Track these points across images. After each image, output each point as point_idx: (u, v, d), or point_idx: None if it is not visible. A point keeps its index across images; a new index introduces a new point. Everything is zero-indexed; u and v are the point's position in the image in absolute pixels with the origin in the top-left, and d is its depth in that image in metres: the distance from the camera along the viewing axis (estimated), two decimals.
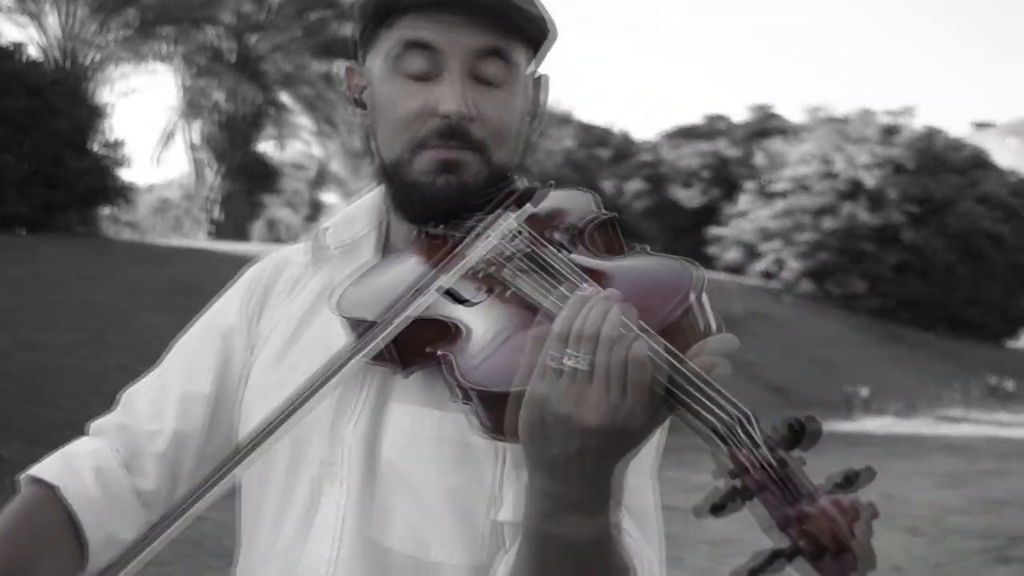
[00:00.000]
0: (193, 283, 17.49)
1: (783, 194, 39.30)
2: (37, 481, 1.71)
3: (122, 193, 24.78)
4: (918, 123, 41.59)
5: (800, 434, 1.10)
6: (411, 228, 1.70)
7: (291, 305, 1.83)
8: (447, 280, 1.46)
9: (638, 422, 1.19)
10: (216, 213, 31.89)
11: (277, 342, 1.80)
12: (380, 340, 1.45)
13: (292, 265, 1.88)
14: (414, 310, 1.46)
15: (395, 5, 1.63)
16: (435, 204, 1.63)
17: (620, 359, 1.20)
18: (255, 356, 1.82)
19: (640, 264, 1.47)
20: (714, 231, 41.67)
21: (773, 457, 1.08)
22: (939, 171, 38.72)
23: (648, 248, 1.53)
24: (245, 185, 32.14)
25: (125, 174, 26.12)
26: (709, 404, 1.15)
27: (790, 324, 31.71)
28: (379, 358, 1.54)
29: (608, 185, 46.16)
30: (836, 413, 22.08)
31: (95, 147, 23.92)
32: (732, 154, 45.40)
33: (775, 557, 1.04)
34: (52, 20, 25.94)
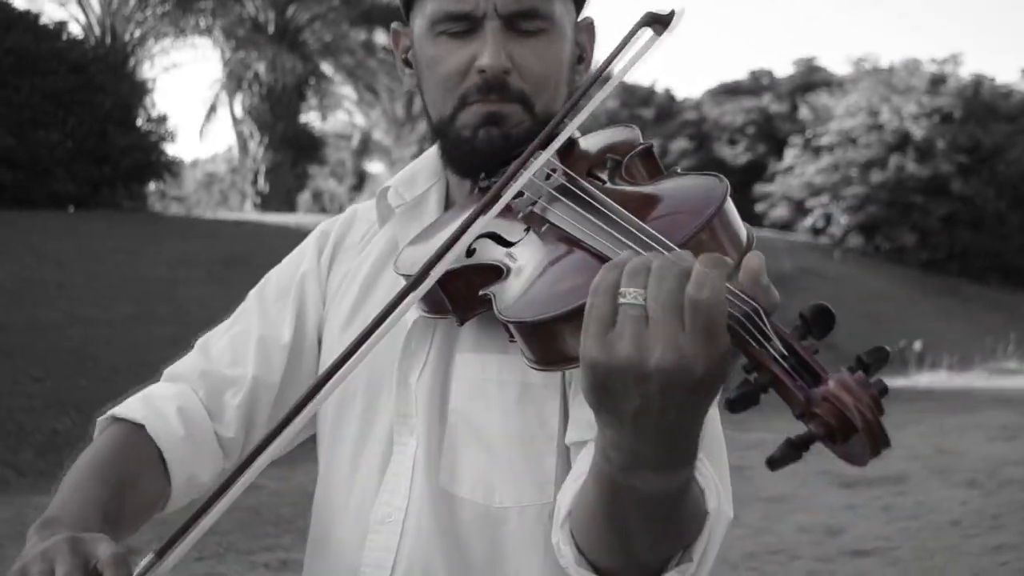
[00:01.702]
0: (240, 255, 17.62)
1: (830, 148, 38.98)
2: (119, 421, 1.75)
3: (168, 168, 24.93)
4: (965, 71, 41.24)
5: (810, 323, 1.08)
6: (468, 183, 1.74)
7: (360, 262, 1.89)
8: (479, 225, 1.45)
9: (703, 362, 1.08)
10: (261, 185, 32.03)
11: (348, 300, 1.86)
12: (420, 291, 1.44)
13: (361, 222, 1.96)
14: (449, 259, 1.45)
15: None
16: (480, 157, 1.66)
17: (675, 289, 1.10)
18: (327, 310, 1.89)
19: (671, 185, 1.46)
20: (761, 188, 41.42)
21: (784, 347, 1.07)
22: (988, 119, 38.26)
23: (678, 170, 1.52)
24: (289, 156, 32.25)
25: (170, 149, 26.39)
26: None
27: (840, 279, 31.52)
28: (438, 310, 1.59)
29: (653, 144, 45.97)
30: (889, 368, 21.83)
31: (140, 123, 24.07)
32: (777, 109, 45.12)
33: (790, 445, 1.03)
34: None
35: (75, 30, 24.94)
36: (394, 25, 1.82)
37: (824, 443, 1.02)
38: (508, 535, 1.63)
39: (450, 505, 1.65)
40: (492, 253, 1.51)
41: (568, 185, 1.50)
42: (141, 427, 1.71)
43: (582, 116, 1.50)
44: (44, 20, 22.79)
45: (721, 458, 1.54)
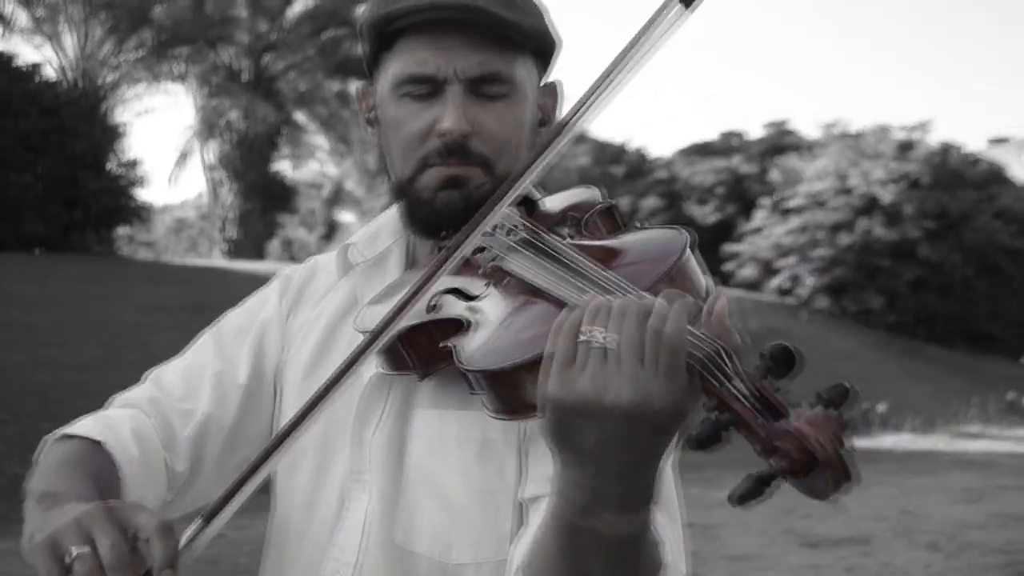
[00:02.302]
0: (208, 302, 17.52)
1: (799, 210, 39.20)
2: (72, 438, 1.71)
3: (138, 213, 24.88)
4: (934, 138, 41.59)
5: (772, 362, 1.09)
6: (430, 242, 1.74)
7: (319, 313, 1.88)
8: (440, 281, 1.47)
9: (663, 399, 1.10)
10: (232, 232, 31.95)
11: (306, 351, 1.84)
12: (377, 344, 1.46)
13: (322, 273, 1.95)
14: (408, 315, 1.47)
15: (390, 28, 1.67)
16: (440, 218, 1.66)
17: (638, 329, 1.12)
18: (286, 357, 1.87)
19: (633, 238, 1.48)
20: (730, 248, 41.58)
21: (746, 386, 1.08)
22: (955, 186, 38.59)
23: (638, 224, 1.55)
24: (261, 204, 32.20)
25: (141, 194, 26.25)
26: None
27: (807, 340, 31.59)
28: (399, 366, 1.59)
29: (623, 202, 46.11)
30: (854, 430, 21.92)
31: (111, 167, 24.02)
32: (747, 171, 45.40)
33: (753, 480, 1.04)
34: (68, 41, 26.08)
35: (49, 73, 24.94)
36: (359, 85, 1.84)
37: (787, 478, 1.03)
38: None
39: (405, 562, 1.64)
40: (454, 308, 1.52)
41: (530, 239, 1.52)
42: (98, 443, 1.68)
43: (541, 164, 1.49)
44: (18, 62, 22.78)
45: (675, 516, 1.54)
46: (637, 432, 1.11)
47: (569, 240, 1.53)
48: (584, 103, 1.48)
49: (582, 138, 50.71)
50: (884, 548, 10.65)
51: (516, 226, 1.57)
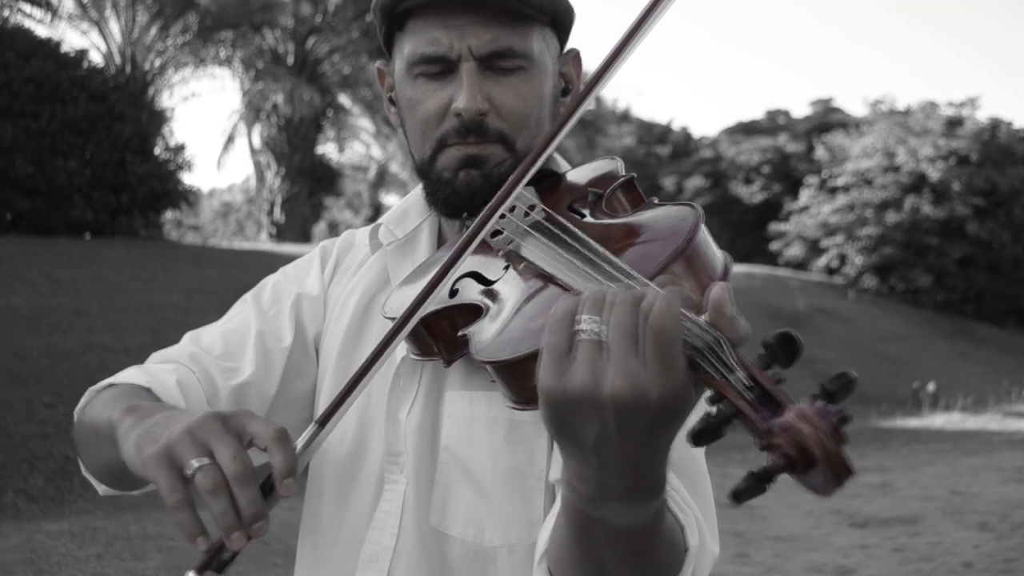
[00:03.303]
0: (254, 285, 17.62)
1: (845, 188, 38.98)
2: (118, 385, 1.71)
3: (184, 197, 25.00)
4: (982, 114, 41.22)
5: (775, 351, 1.06)
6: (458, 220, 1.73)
7: (354, 287, 1.88)
8: (457, 269, 1.46)
9: (660, 391, 1.06)
10: (277, 215, 32.10)
11: (341, 327, 1.84)
12: (401, 335, 1.45)
13: (359, 246, 1.95)
14: (429, 304, 1.46)
15: (400, 8, 1.66)
16: (461, 198, 1.65)
17: (633, 318, 1.08)
18: (326, 327, 1.88)
19: (648, 217, 1.45)
20: (776, 227, 41.41)
21: (748, 378, 1.05)
22: (1005, 163, 38.23)
23: (655, 200, 1.51)
24: (306, 187, 32.32)
25: (187, 178, 26.45)
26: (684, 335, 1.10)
27: (854, 320, 31.45)
28: (425, 352, 1.59)
29: (668, 182, 46.05)
30: (904, 409, 21.90)
31: (157, 151, 24.16)
32: (793, 149, 45.16)
33: (754, 477, 1.01)
34: (114, 26, 26.28)
35: (96, 58, 25.10)
36: (378, 63, 1.82)
37: (787, 474, 1.01)
38: (497, 574, 1.62)
39: (440, 544, 1.64)
40: (472, 293, 1.52)
41: (544, 222, 1.50)
42: (147, 390, 1.67)
43: (556, 142, 1.48)
44: (65, 48, 22.93)
45: (705, 494, 1.52)
46: (636, 424, 1.08)
47: (588, 218, 1.52)
48: (598, 77, 1.46)
49: (626, 118, 50.56)
50: (933, 528, 10.58)
51: (532, 207, 1.54)
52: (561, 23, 1.72)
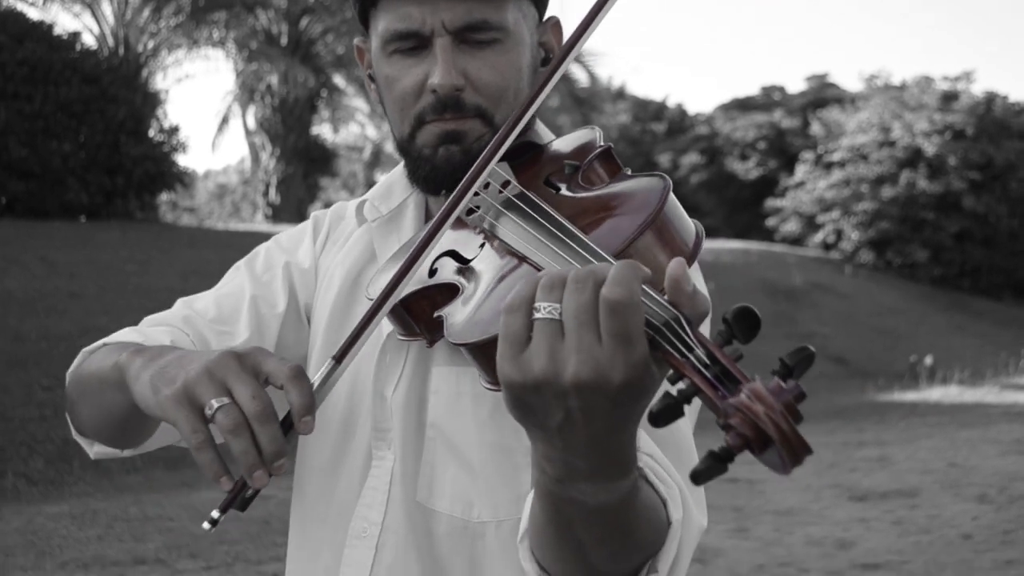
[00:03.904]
0: None
1: (841, 164, 38.95)
2: (110, 344, 1.69)
3: (179, 179, 24.99)
4: (978, 88, 41.14)
5: (733, 328, 1.04)
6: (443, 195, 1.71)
7: (343, 259, 1.87)
8: (429, 250, 1.45)
9: (622, 372, 1.04)
10: (273, 196, 32.06)
11: (330, 300, 1.83)
12: (378, 318, 1.44)
13: (348, 219, 1.94)
14: (407, 285, 1.46)
15: None
16: (441, 174, 1.64)
17: (589, 298, 1.06)
18: (316, 296, 1.87)
19: (618, 189, 1.44)
20: (772, 203, 41.39)
21: (707, 356, 1.03)
22: (1000, 136, 38.19)
23: (628, 171, 1.50)
24: (301, 168, 32.26)
25: (182, 160, 26.42)
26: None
27: (851, 295, 31.47)
28: (409, 332, 1.58)
29: (664, 159, 46.02)
30: (901, 383, 21.92)
31: (152, 134, 24.13)
32: (789, 125, 45.12)
33: (713, 457, 1.00)
34: (107, 8, 26.16)
35: (88, 41, 25.03)
36: (356, 40, 1.80)
37: (746, 453, 1.00)
38: (485, 550, 1.62)
39: (427, 520, 1.64)
40: (449, 272, 1.51)
41: (517, 199, 1.48)
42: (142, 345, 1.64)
43: (527, 116, 1.47)
44: (58, 31, 22.88)
45: (691, 463, 1.49)
46: (600, 406, 1.07)
47: (565, 191, 1.50)
48: (570, 47, 1.46)
49: (621, 95, 50.47)
50: (932, 501, 10.61)
51: (506, 184, 1.53)
52: None
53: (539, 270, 1.31)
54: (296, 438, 1.35)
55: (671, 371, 1.06)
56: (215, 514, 1.33)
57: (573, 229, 1.33)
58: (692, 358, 1.04)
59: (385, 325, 1.61)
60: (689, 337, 1.05)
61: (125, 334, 1.73)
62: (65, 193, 21.35)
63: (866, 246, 37.80)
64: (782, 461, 0.97)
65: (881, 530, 9.44)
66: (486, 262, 1.46)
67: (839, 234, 38.54)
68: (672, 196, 1.32)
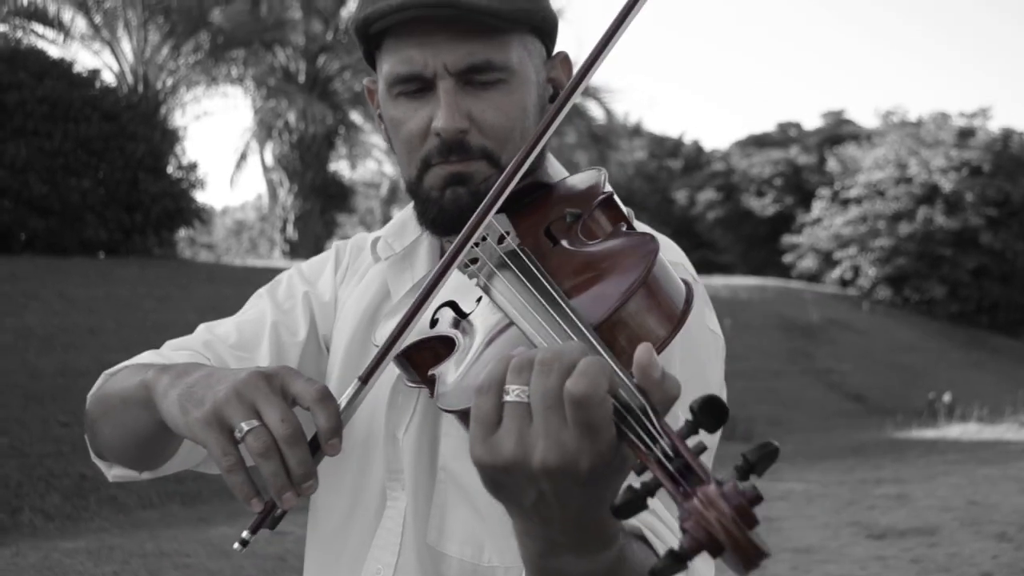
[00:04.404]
0: None
1: (858, 200, 38.93)
2: (132, 366, 1.69)
3: (198, 215, 25.06)
4: (994, 125, 41.12)
5: (699, 418, 1.03)
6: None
7: (361, 294, 1.87)
8: (428, 304, 1.43)
9: (590, 459, 1.06)
10: (290, 233, 32.13)
11: (346, 335, 1.83)
12: (379, 370, 1.43)
13: (365, 252, 1.94)
14: (408, 336, 1.45)
15: (372, 30, 1.63)
16: (449, 217, 1.62)
17: (555, 384, 1.07)
18: (333, 332, 1.87)
19: (609, 248, 1.41)
20: (789, 239, 41.36)
21: (669, 447, 1.02)
22: (1017, 173, 38.15)
23: (624, 225, 1.49)
24: (318, 204, 32.34)
25: (200, 196, 26.52)
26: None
27: (868, 331, 31.38)
28: (413, 380, 1.55)
29: (680, 195, 46.05)
30: (919, 420, 21.80)
31: (170, 170, 24.21)
32: (805, 161, 45.12)
33: (673, 557, 0.98)
34: (126, 46, 26.32)
35: (108, 78, 25.19)
36: (366, 81, 1.79)
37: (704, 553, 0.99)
38: None
39: (437, 563, 1.63)
40: (447, 325, 1.49)
41: (510, 258, 1.45)
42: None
43: (526, 164, 1.45)
44: (78, 68, 23.03)
45: None
46: (571, 489, 1.08)
47: (563, 243, 1.47)
48: (573, 87, 1.45)
49: (638, 132, 50.56)
50: (951, 539, 10.53)
51: (508, 232, 1.50)
52: (541, 28, 1.68)
53: (525, 335, 1.29)
54: (322, 459, 1.35)
55: (637, 462, 1.05)
56: (245, 535, 1.33)
57: (558, 298, 1.30)
58: (656, 450, 1.02)
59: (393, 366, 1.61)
60: (654, 427, 1.04)
61: (147, 356, 1.74)
62: (84, 230, 21.42)
63: (883, 282, 37.74)
64: (736, 565, 0.96)
65: (900, 568, 9.36)
66: (481, 318, 1.44)
67: (856, 270, 38.49)
68: (660, 259, 1.30)
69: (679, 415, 1.16)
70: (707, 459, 1.30)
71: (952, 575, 9.08)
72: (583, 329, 1.22)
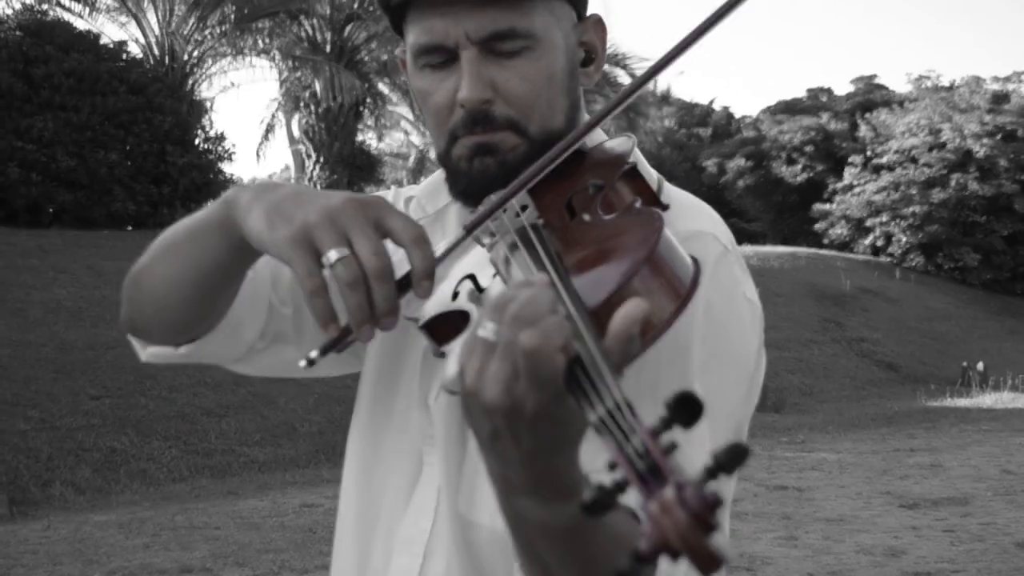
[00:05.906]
0: None
1: (890, 167, 38.68)
2: None
3: (225, 187, 25.06)
4: None
5: (673, 413, 0.99)
6: None
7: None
8: (434, 277, 1.39)
9: (532, 406, 1.07)
10: None
11: None
12: (479, 227, 1.42)
13: (400, 206, 1.92)
14: (416, 310, 1.43)
15: (395, 1, 1.60)
16: (478, 187, 1.59)
17: (517, 339, 1.07)
18: None
19: (618, 226, 1.40)
20: (820, 207, 41.14)
21: (639, 445, 0.99)
22: None
23: (661, 182, 1.51)
24: (346, 176, 32.37)
25: (227, 168, 26.57)
26: (593, 393, 1.06)
27: (901, 299, 31.23)
28: (437, 353, 1.53)
29: (710, 163, 45.85)
30: (953, 389, 21.71)
31: (197, 142, 24.29)
32: (836, 127, 44.80)
33: (636, 559, 0.95)
34: (152, 18, 26.36)
35: (134, 51, 25.25)
36: (397, 51, 1.76)
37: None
38: None
39: (469, 531, 1.62)
40: (464, 299, 1.46)
41: (524, 233, 1.42)
42: None
43: (567, 152, 1.44)
44: (104, 41, 23.10)
45: (721, 426, 1.48)
46: (521, 429, 1.09)
47: (582, 216, 1.46)
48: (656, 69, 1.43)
49: (667, 100, 50.38)
50: (985, 508, 10.48)
51: (525, 207, 1.48)
52: None
53: None
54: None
55: (608, 458, 1.02)
56: (313, 354, 1.30)
57: (563, 277, 1.27)
58: (628, 449, 1.00)
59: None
60: (629, 425, 1.02)
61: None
62: (112, 203, 21.52)
63: (916, 250, 37.52)
64: (697, 568, 0.93)
65: (933, 538, 9.31)
66: (494, 292, 1.42)
67: (888, 238, 38.27)
68: (665, 236, 1.29)
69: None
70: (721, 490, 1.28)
71: (986, 544, 9.03)
72: (582, 307, 1.20)
